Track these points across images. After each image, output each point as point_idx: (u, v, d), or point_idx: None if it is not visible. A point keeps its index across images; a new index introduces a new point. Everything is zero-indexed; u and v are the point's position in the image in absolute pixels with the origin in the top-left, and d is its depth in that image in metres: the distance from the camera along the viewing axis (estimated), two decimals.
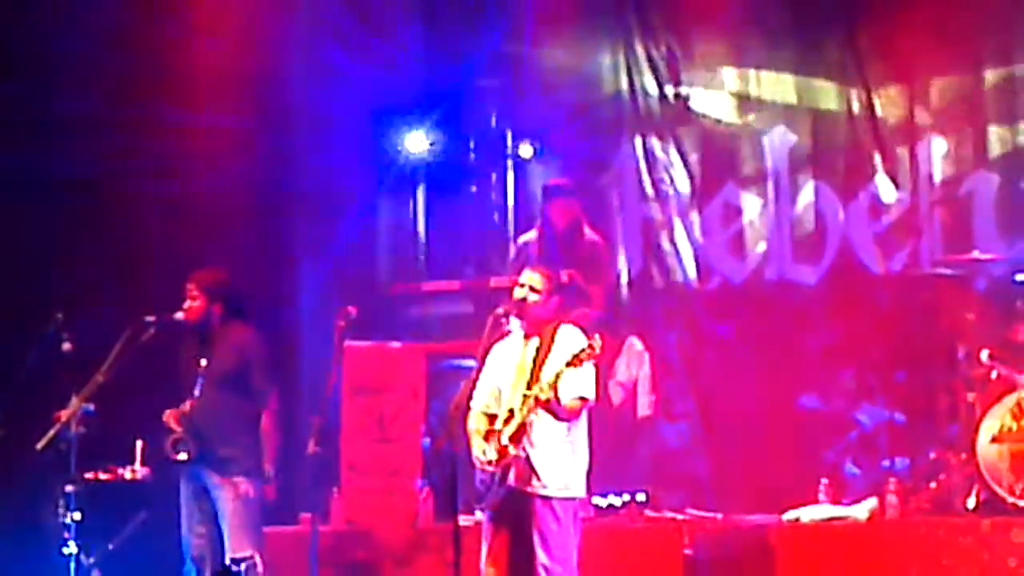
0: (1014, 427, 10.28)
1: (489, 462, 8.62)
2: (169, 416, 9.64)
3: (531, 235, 11.72)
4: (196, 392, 9.65)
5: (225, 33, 11.68)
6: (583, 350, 8.49)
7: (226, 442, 9.66)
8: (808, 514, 10.55)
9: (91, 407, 9.67)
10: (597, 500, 10.73)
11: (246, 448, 9.73)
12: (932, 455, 10.90)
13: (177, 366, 9.87)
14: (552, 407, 8.56)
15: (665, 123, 12.53)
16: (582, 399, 8.65)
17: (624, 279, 12.50)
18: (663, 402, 11.89)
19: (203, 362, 9.69)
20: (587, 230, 11.59)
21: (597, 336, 8.52)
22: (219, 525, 9.68)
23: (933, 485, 10.70)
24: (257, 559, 9.63)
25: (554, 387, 8.51)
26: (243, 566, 9.61)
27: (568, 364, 8.48)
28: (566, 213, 11.54)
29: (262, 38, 11.80)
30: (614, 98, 12.63)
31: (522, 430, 8.58)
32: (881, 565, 10.14)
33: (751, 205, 12.43)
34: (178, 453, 9.61)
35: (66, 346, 9.81)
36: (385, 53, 12.29)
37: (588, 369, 8.59)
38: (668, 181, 12.51)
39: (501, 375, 8.85)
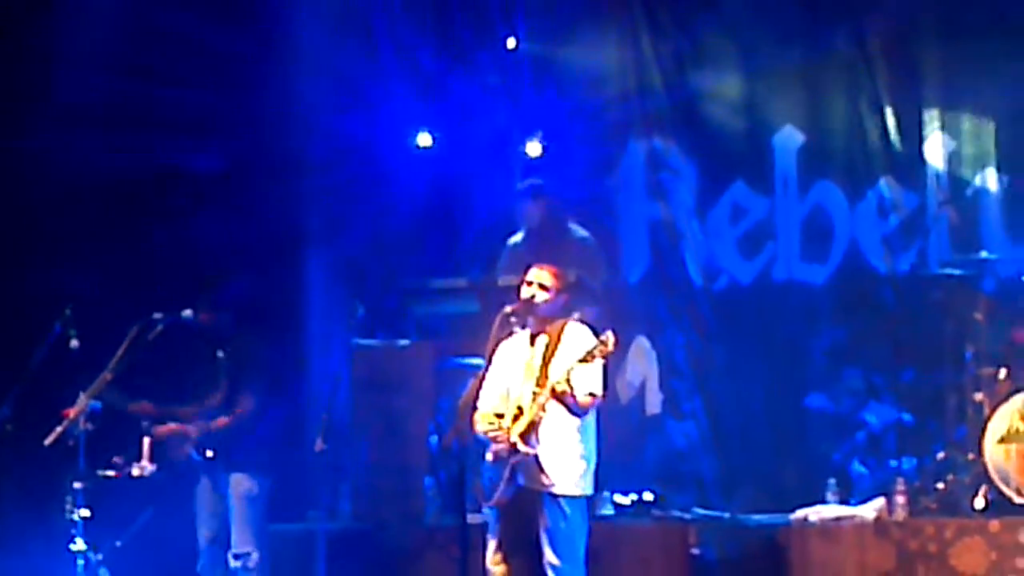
0: (1022, 428, 10.27)
1: (497, 456, 8.60)
2: (188, 428, 9.85)
3: (518, 237, 11.68)
4: (209, 393, 9.87)
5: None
6: (596, 346, 8.48)
7: (236, 440, 9.80)
8: (815, 514, 10.55)
9: (99, 404, 9.70)
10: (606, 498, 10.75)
11: (254, 446, 9.85)
12: (940, 455, 10.89)
13: (187, 365, 9.97)
14: (567, 400, 8.56)
15: (673, 123, 12.52)
16: (592, 395, 8.65)
17: (632, 279, 12.49)
18: (671, 401, 11.91)
19: (214, 364, 9.91)
20: (575, 227, 11.56)
21: (610, 332, 8.50)
22: (228, 520, 9.86)
23: (941, 485, 10.68)
24: (255, 555, 9.73)
25: (568, 381, 8.51)
26: (241, 562, 9.79)
27: (581, 360, 8.48)
28: (541, 211, 11.51)
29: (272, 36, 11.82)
30: (622, 98, 12.60)
31: (531, 428, 8.58)
32: (888, 565, 10.14)
33: (758, 205, 12.43)
34: (203, 453, 9.78)
35: (74, 343, 9.81)
36: (394, 52, 12.29)
37: (598, 366, 8.59)
38: (675, 181, 12.51)
39: (508, 374, 8.83)
